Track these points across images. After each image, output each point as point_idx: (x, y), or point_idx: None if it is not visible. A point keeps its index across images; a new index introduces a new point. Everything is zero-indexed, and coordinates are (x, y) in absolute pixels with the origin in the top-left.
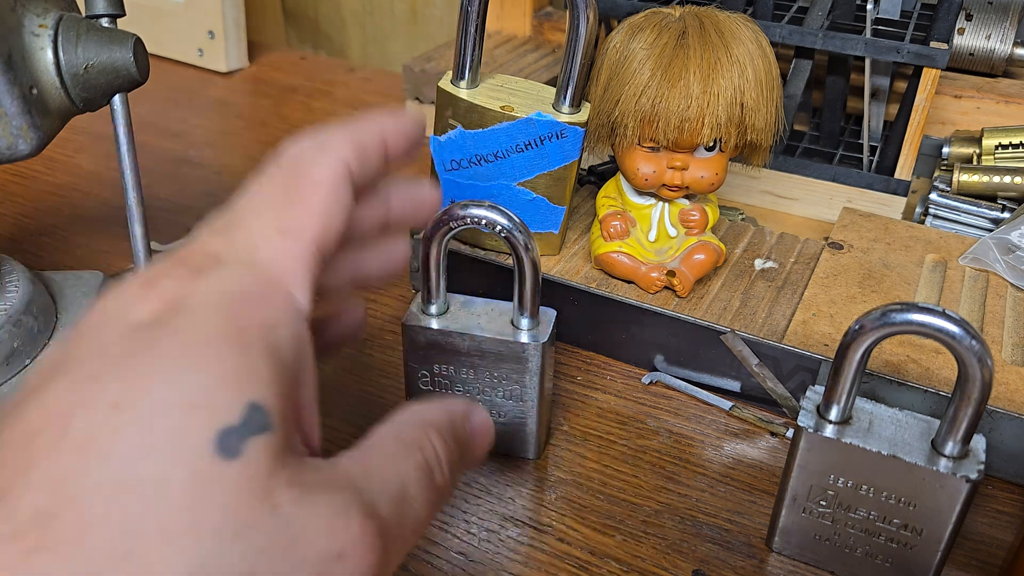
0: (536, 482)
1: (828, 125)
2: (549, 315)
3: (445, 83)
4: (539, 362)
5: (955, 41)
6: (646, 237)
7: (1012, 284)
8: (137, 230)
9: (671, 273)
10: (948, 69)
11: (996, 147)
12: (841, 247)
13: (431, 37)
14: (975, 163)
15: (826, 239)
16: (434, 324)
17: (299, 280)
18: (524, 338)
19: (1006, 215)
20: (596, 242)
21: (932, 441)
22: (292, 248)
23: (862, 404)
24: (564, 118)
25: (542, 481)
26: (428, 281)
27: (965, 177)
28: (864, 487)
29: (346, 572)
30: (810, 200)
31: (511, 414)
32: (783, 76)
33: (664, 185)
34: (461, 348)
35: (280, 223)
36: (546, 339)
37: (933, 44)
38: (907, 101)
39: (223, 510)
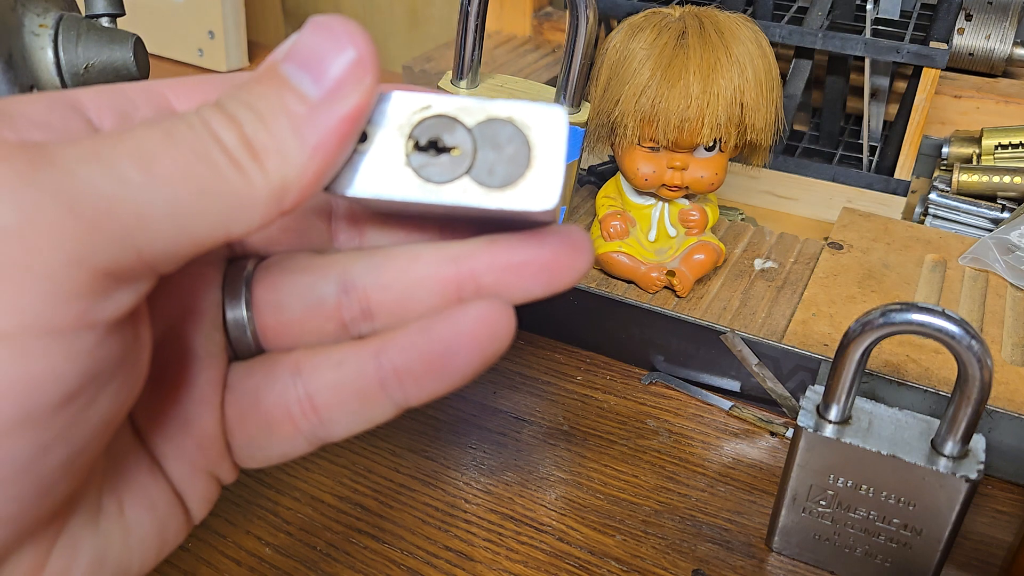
0: (536, 482)
1: (828, 125)
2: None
3: (445, 83)
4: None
5: (955, 41)
6: (646, 237)
7: (1012, 284)
8: None
9: (671, 273)
10: (948, 69)
11: (996, 147)
12: (841, 247)
13: (431, 37)
14: (975, 163)
15: (826, 239)
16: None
17: None
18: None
19: (1006, 215)
20: (596, 242)
21: (932, 441)
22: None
23: (862, 404)
24: None
25: (542, 481)
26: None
27: (965, 177)
28: (864, 487)
29: None
30: (810, 200)
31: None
32: (783, 76)
33: (664, 185)
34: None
35: None
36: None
37: (933, 44)
38: (907, 101)
39: None
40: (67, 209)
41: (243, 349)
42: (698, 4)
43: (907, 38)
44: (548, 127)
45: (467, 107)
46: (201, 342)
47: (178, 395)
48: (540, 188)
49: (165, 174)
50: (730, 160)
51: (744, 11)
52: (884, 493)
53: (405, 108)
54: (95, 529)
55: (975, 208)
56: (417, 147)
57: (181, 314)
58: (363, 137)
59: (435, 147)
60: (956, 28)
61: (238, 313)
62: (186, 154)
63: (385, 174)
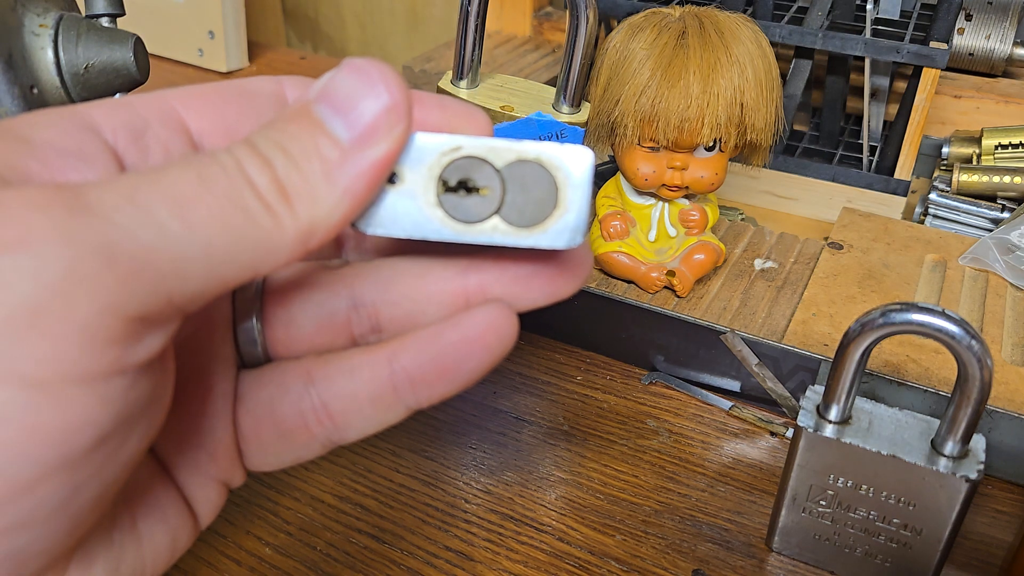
0: (536, 482)
1: (828, 125)
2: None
3: (445, 83)
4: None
5: (955, 41)
6: (646, 237)
7: (1012, 284)
8: None
9: (671, 273)
10: (948, 69)
11: (996, 147)
12: (841, 247)
13: (431, 37)
14: (975, 163)
15: (826, 239)
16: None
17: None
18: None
19: (1006, 215)
20: (596, 242)
21: (932, 441)
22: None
23: (862, 404)
24: (564, 118)
25: (542, 481)
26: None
27: (965, 177)
28: (864, 487)
29: None
30: (810, 200)
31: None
32: (783, 76)
33: (664, 185)
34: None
35: None
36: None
37: (933, 44)
38: (907, 101)
39: None
40: (106, 261)
41: (252, 359)
42: (698, 4)
43: (907, 38)
44: (574, 168)
45: (496, 148)
46: (213, 355)
47: (191, 409)
48: (566, 227)
49: (200, 220)
50: (730, 160)
51: (744, 11)
52: (884, 493)
53: (433, 149)
54: (109, 543)
55: (975, 208)
56: (447, 188)
57: (193, 330)
58: (391, 176)
59: (464, 188)
60: (956, 28)
61: (249, 325)
62: (220, 199)
63: (415, 214)
